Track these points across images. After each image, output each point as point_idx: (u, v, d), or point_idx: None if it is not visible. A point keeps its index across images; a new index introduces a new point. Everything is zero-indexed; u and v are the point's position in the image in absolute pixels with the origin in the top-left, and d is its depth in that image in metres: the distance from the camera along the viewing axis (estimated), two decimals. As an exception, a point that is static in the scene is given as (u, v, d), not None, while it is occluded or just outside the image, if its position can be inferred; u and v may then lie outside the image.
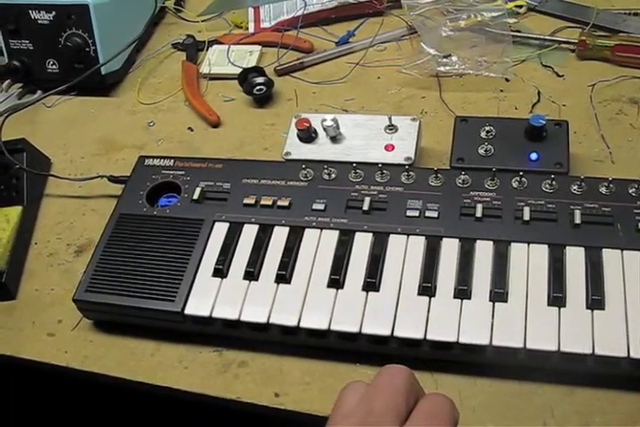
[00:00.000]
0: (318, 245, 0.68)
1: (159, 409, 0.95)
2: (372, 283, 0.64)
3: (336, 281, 0.65)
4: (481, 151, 0.74)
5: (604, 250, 0.63)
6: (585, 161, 0.76)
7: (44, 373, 0.71)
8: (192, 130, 0.90)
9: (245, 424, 0.89)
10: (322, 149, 0.78)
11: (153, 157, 0.79)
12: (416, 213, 0.68)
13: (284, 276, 0.66)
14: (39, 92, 0.99)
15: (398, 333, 0.61)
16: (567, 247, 0.64)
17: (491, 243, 0.65)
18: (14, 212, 0.80)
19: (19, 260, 0.78)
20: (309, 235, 0.69)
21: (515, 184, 0.69)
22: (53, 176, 0.85)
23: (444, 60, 0.88)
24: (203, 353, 0.67)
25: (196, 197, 0.73)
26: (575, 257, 0.63)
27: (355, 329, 0.62)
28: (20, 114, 0.94)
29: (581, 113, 0.81)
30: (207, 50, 1.00)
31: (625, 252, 0.63)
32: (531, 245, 0.65)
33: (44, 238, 0.81)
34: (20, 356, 0.71)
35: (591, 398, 0.59)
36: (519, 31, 0.90)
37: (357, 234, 0.68)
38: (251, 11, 1.04)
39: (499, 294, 0.61)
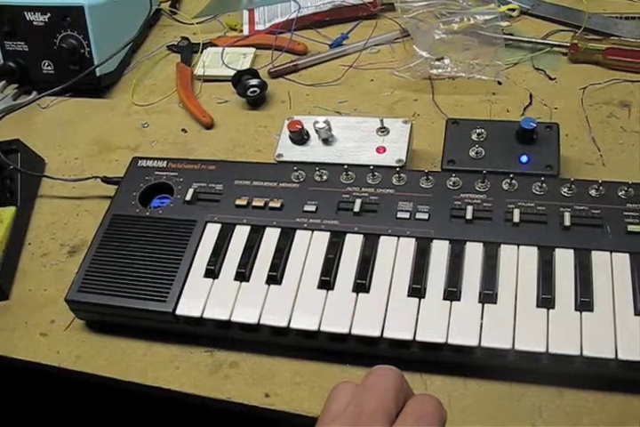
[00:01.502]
0: (309, 247, 0.68)
1: (150, 409, 0.95)
2: (362, 284, 0.64)
3: (326, 282, 0.65)
4: (472, 153, 0.74)
5: (593, 252, 0.64)
6: (576, 164, 0.77)
7: (36, 373, 0.71)
8: (186, 131, 0.91)
9: (236, 425, 0.89)
10: (314, 151, 0.78)
11: (146, 159, 0.79)
12: (407, 215, 0.68)
13: (274, 277, 0.66)
14: (34, 93, 1.00)
15: (388, 334, 0.61)
16: (557, 249, 0.64)
17: (481, 245, 0.66)
18: (8, 212, 0.81)
19: (12, 260, 0.79)
20: (300, 236, 0.69)
21: (505, 186, 0.69)
22: (47, 177, 0.86)
23: (437, 62, 0.88)
24: (194, 353, 0.68)
25: (188, 198, 0.73)
26: (564, 259, 0.64)
27: (344, 330, 0.62)
28: (15, 115, 0.94)
29: (573, 116, 0.82)
30: (202, 52, 1.00)
31: (614, 254, 0.63)
32: (520, 246, 0.65)
33: (38, 239, 0.82)
34: (12, 356, 0.71)
35: (579, 400, 0.60)
36: (512, 34, 0.91)
37: (348, 235, 0.68)
38: (245, 13, 1.04)
39: (488, 295, 0.62)
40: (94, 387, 0.71)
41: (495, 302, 0.62)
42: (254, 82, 0.92)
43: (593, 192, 0.67)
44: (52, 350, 0.70)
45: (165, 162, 0.78)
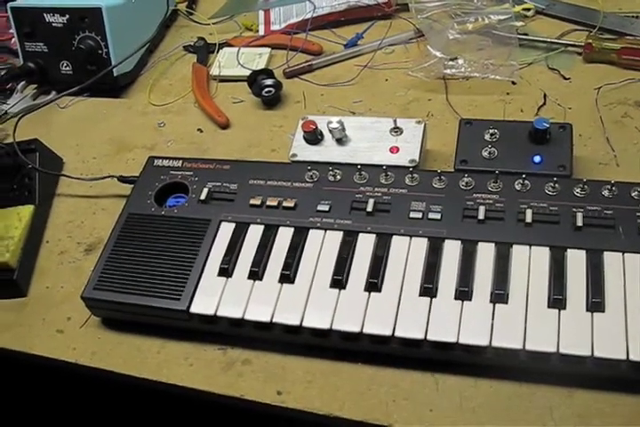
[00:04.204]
0: (322, 246, 0.69)
1: (163, 406, 0.96)
2: (374, 283, 0.65)
3: (339, 281, 0.65)
4: (485, 154, 0.74)
5: (605, 253, 0.64)
6: (590, 164, 0.77)
7: (53, 369, 0.72)
8: (201, 131, 0.92)
9: (248, 422, 0.90)
10: (327, 151, 0.78)
11: (162, 158, 0.80)
12: (419, 215, 0.69)
13: (287, 276, 0.67)
14: (53, 93, 1.01)
15: (399, 333, 0.62)
16: (568, 250, 0.64)
17: (492, 245, 0.66)
18: (26, 210, 0.82)
19: (30, 257, 0.80)
20: (314, 235, 0.70)
21: (518, 187, 0.69)
22: (65, 176, 0.87)
23: (451, 62, 0.88)
24: (207, 351, 0.69)
25: (203, 197, 0.74)
26: (576, 260, 0.64)
27: (356, 329, 0.62)
28: (34, 115, 0.95)
29: (587, 116, 0.81)
30: (217, 52, 1.01)
31: (626, 255, 0.63)
32: (532, 247, 0.65)
33: (55, 237, 0.83)
34: (29, 352, 0.72)
35: (590, 401, 0.60)
36: (526, 34, 0.91)
37: (361, 235, 0.69)
38: (261, 13, 1.05)
39: (499, 295, 0.62)
40: (109, 383, 0.72)
41: (506, 303, 0.62)
42: (269, 82, 0.92)
43: (606, 193, 0.67)
44: (69, 347, 0.72)
45: (181, 161, 0.79)
